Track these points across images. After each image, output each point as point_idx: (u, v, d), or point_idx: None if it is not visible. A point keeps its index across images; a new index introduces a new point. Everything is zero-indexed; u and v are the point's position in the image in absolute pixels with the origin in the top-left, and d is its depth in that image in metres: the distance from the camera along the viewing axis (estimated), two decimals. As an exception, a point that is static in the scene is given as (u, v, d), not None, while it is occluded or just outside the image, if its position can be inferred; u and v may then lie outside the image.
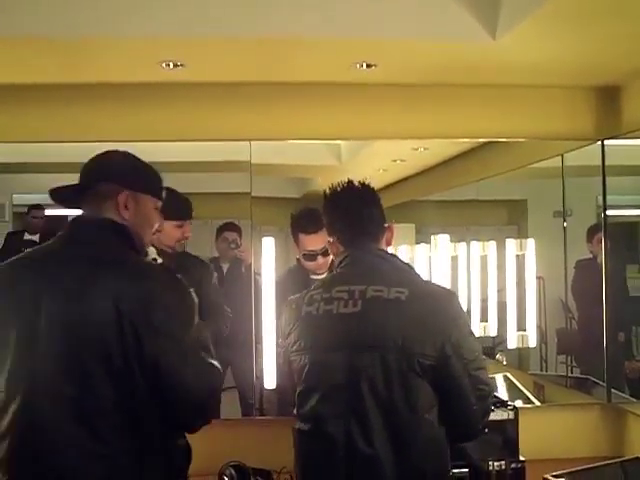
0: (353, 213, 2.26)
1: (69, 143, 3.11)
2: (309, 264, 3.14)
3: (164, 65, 2.82)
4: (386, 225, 2.30)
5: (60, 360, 1.83)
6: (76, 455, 1.82)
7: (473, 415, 2.14)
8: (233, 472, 2.76)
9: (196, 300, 1.98)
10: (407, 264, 2.30)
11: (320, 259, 3.08)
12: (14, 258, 2.05)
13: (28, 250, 2.06)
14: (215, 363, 1.97)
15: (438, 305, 2.14)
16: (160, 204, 2.11)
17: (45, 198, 3.62)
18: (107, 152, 2.08)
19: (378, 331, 2.09)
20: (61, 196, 2.09)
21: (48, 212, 3.63)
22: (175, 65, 2.82)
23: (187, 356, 1.89)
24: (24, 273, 1.96)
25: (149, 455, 1.88)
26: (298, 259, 3.24)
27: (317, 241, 3.04)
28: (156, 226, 2.12)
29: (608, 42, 2.63)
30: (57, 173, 3.47)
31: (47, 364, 1.83)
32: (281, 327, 2.33)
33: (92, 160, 2.06)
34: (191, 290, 1.98)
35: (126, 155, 2.08)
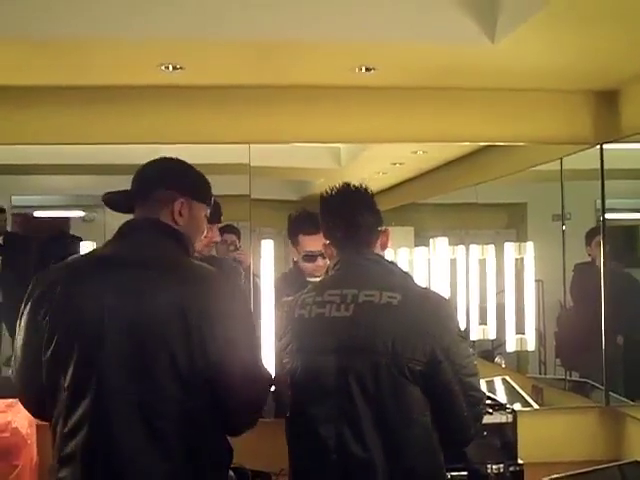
0: (346, 217, 2.25)
1: (68, 145, 3.12)
2: (308, 265, 3.14)
3: (163, 68, 2.82)
4: (381, 229, 2.30)
5: (126, 362, 1.86)
6: (142, 455, 1.85)
7: (464, 421, 2.13)
8: (232, 474, 2.76)
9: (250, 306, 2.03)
10: (400, 268, 2.30)
11: (320, 260, 3.08)
12: (74, 257, 2.09)
13: (86, 252, 2.11)
14: (266, 368, 2.04)
15: (430, 310, 2.13)
16: (209, 211, 2.15)
17: (44, 199, 3.68)
18: (163, 159, 2.11)
19: (369, 335, 2.09)
20: (114, 200, 2.11)
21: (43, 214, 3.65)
22: (174, 68, 2.82)
23: (246, 360, 1.93)
24: (86, 273, 1.97)
25: (206, 456, 1.92)
26: (295, 261, 3.23)
27: (317, 242, 3.03)
28: (204, 233, 2.17)
29: (607, 46, 2.63)
30: (56, 175, 3.48)
31: (113, 366, 1.85)
32: (275, 330, 2.33)
33: (149, 166, 2.10)
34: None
35: (181, 162, 2.12)
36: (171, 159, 2.12)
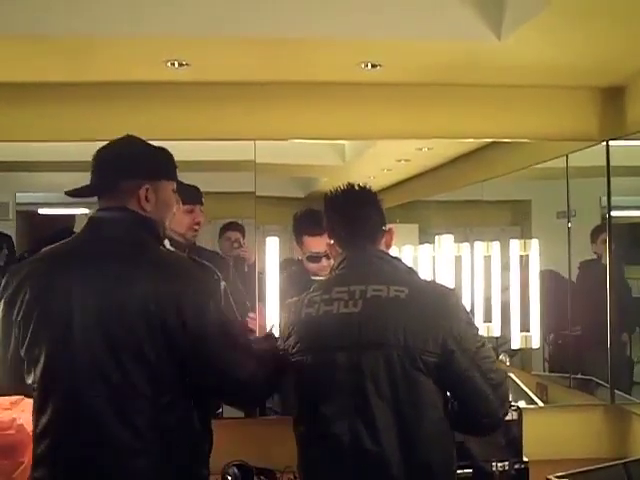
0: (350, 215, 2.27)
1: (73, 142, 3.11)
2: (313, 266, 3.13)
3: (169, 64, 2.82)
4: (385, 228, 2.31)
5: (95, 360, 1.84)
6: (116, 451, 1.84)
7: (490, 405, 2.11)
8: (237, 472, 2.76)
9: (225, 289, 2.02)
10: (405, 264, 2.31)
11: (324, 261, 3.07)
12: (44, 251, 2.05)
13: (53, 246, 2.06)
14: (250, 348, 2.03)
15: (438, 301, 2.14)
16: (175, 185, 2.11)
17: (48, 196, 3.67)
18: (118, 144, 2.06)
19: (380, 330, 2.09)
20: (78, 194, 2.08)
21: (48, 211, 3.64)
22: (180, 64, 2.82)
23: (218, 352, 1.92)
24: (55, 268, 1.95)
25: (184, 447, 1.91)
26: (300, 260, 3.23)
27: (322, 243, 3.03)
28: (175, 207, 2.13)
29: (613, 43, 2.63)
30: (61, 172, 3.48)
31: (84, 362, 1.84)
32: (280, 330, 2.33)
33: (104, 154, 2.05)
34: (220, 280, 2.01)
35: (137, 143, 2.08)
36: (127, 141, 2.08)
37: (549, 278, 3.55)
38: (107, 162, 2.04)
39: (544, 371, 3.76)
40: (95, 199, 2.08)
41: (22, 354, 1.91)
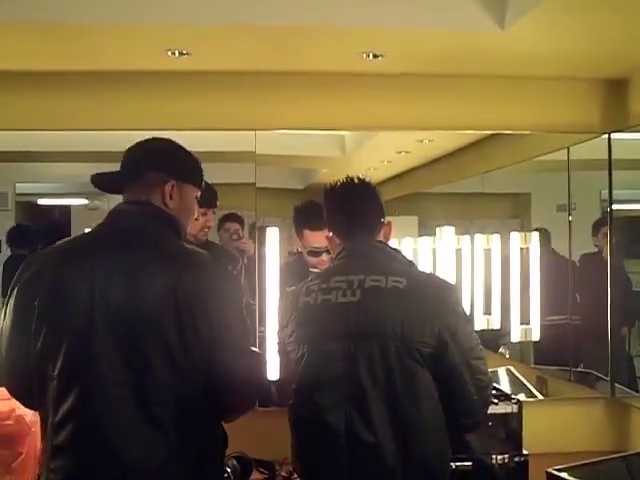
0: (349, 206, 2.27)
1: (73, 132, 3.10)
2: (313, 260, 3.12)
3: (169, 53, 2.81)
4: (384, 221, 2.31)
5: (119, 348, 1.83)
6: (137, 442, 1.83)
7: (473, 405, 2.13)
8: (235, 463, 2.76)
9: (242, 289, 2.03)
10: (404, 255, 2.31)
11: (324, 256, 3.06)
12: (64, 241, 2.04)
13: (76, 236, 2.06)
14: (257, 350, 2.05)
15: (436, 294, 2.14)
16: (199, 194, 2.11)
17: (47, 187, 3.66)
18: (153, 139, 2.07)
19: (377, 320, 2.09)
20: (103, 182, 2.07)
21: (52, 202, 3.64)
22: (180, 53, 2.81)
23: (240, 345, 1.91)
24: (76, 258, 1.93)
25: (202, 442, 1.90)
26: (300, 252, 3.22)
27: (322, 238, 3.02)
28: (195, 215, 2.13)
29: (615, 34, 2.62)
30: (60, 162, 3.47)
31: (106, 353, 1.83)
32: (278, 319, 2.32)
33: (138, 147, 2.05)
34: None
35: (172, 143, 2.08)
36: (161, 140, 2.08)
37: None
38: (138, 153, 2.05)
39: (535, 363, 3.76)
40: (96, 190, 2.07)
41: (38, 344, 1.89)
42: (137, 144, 2.06)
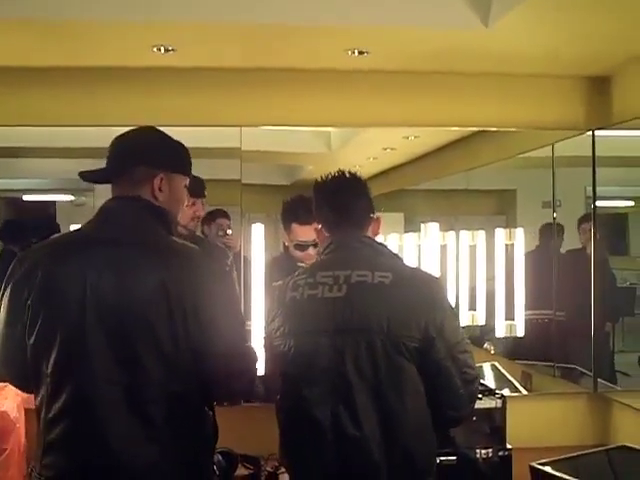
0: (339, 200, 2.28)
1: (57, 127, 3.09)
2: (299, 254, 3.13)
3: (155, 49, 2.80)
4: (373, 216, 2.31)
5: (110, 345, 1.83)
6: (128, 440, 1.83)
7: (459, 399, 2.14)
8: (221, 459, 2.76)
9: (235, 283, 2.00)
10: (390, 250, 2.31)
11: (311, 250, 3.07)
12: (55, 237, 2.05)
13: (67, 232, 2.06)
14: (252, 347, 2.03)
15: (422, 288, 2.15)
16: (188, 181, 2.11)
17: (32, 183, 3.65)
18: (138, 131, 2.06)
19: (363, 315, 2.09)
20: (92, 178, 2.07)
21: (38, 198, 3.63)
22: (166, 50, 2.81)
23: (232, 340, 1.91)
24: (67, 254, 1.93)
25: (193, 438, 1.91)
26: (286, 246, 3.23)
27: (310, 232, 3.01)
28: (185, 204, 2.13)
29: (599, 31, 2.64)
30: (46, 158, 3.46)
31: (97, 349, 1.83)
32: (265, 313, 2.33)
33: (123, 141, 2.03)
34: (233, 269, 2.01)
35: (158, 134, 2.06)
36: (146, 130, 2.07)
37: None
38: (125, 147, 2.03)
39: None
40: (86, 186, 2.07)
41: (32, 340, 1.89)
42: (122, 137, 2.04)
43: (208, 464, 2.04)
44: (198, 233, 3.28)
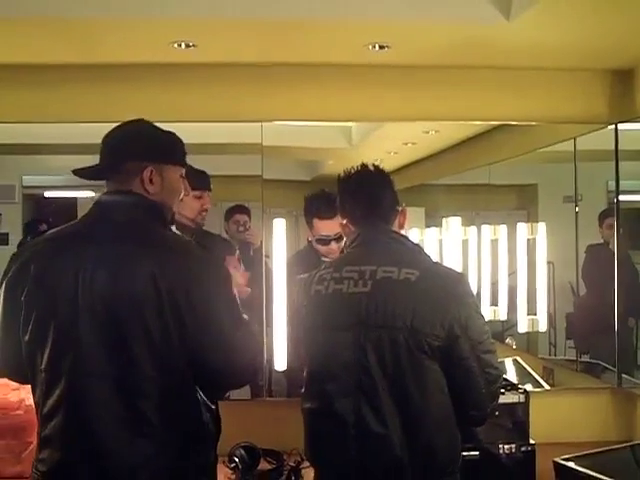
0: (365, 193, 2.27)
1: (79, 124, 3.11)
2: (322, 248, 3.14)
3: (176, 46, 2.81)
4: (399, 208, 2.31)
5: (102, 339, 1.84)
6: (122, 434, 1.84)
7: (481, 398, 2.14)
8: (243, 453, 2.78)
9: (231, 275, 2.00)
10: (417, 245, 2.31)
11: (333, 244, 3.08)
12: (49, 233, 2.05)
13: (58, 228, 2.05)
14: (251, 329, 2.00)
15: (447, 286, 2.14)
16: (184, 171, 2.10)
17: (54, 180, 3.67)
18: (128, 125, 2.06)
19: (388, 311, 2.09)
20: (85, 175, 2.07)
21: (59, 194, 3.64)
22: (187, 46, 2.81)
23: (227, 331, 1.91)
24: (60, 249, 1.94)
25: (188, 431, 1.91)
26: (310, 241, 3.23)
27: (331, 227, 3.03)
28: (183, 193, 2.11)
29: (623, 24, 2.62)
30: (68, 155, 3.47)
31: (89, 345, 1.84)
32: (290, 306, 2.33)
33: (112, 137, 2.04)
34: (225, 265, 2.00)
35: (146, 125, 2.06)
36: (136, 123, 2.06)
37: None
38: (113, 143, 2.03)
39: (550, 355, 3.75)
40: (101, 183, 2.08)
41: (26, 336, 1.90)
42: (111, 133, 2.05)
43: (208, 460, 2.01)
44: (221, 230, 3.29)
